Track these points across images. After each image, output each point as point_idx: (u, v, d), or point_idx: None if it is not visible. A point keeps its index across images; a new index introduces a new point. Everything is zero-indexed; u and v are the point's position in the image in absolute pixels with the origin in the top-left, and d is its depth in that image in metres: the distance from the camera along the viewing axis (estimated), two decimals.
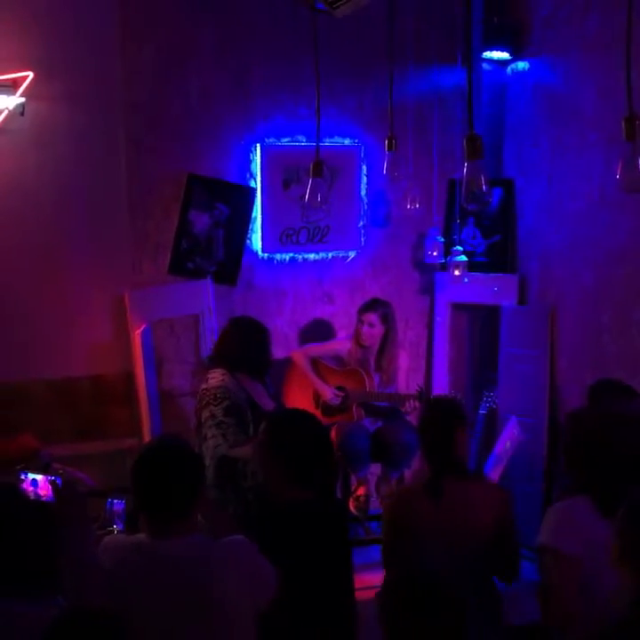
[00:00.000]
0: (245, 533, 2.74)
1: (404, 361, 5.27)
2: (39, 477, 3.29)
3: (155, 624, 2.47)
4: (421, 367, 5.87)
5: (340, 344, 5.27)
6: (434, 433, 3.32)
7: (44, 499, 3.22)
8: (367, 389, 5.06)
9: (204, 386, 4.24)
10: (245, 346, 4.31)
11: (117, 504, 3.39)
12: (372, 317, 5.07)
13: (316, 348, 5.27)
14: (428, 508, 3.23)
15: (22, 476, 3.33)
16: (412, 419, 5.15)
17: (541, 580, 2.89)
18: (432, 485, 3.25)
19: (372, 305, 5.12)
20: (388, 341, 5.14)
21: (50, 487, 3.08)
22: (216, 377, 4.20)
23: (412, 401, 4.94)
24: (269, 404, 4.38)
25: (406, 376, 5.29)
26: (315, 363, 5.19)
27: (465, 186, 2.57)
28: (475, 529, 3.19)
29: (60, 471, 3.64)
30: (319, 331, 5.58)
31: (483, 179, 2.51)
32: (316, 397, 5.18)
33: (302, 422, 3.14)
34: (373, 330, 5.08)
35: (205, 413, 4.13)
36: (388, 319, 5.13)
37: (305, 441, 3.03)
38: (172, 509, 2.53)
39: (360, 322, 5.11)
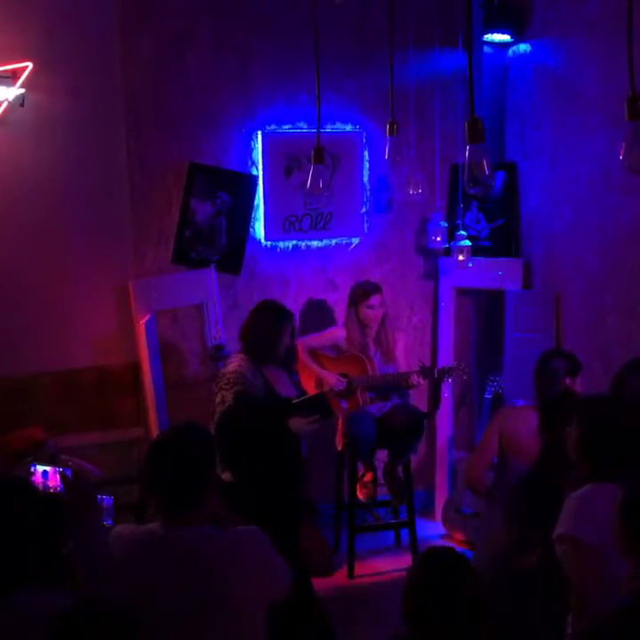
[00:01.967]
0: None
1: (407, 343, 5.30)
2: (48, 469, 3.30)
3: (165, 612, 2.48)
4: (427, 352, 5.86)
5: (336, 332, 5.26)
6: (543, 377, 3.87)
7: (53, 490, 3.23)
8: (369, 373, 5.07)
9: (222, 370, 4.37)
10: (255, 330, 4.43)
11: (106, 500, 3.40)
12: (378, 299, 5.09)
13: (314, 339, 5.24)
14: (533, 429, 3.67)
15: (31, 469, 3.34)
16: (418, 398, 5.18)
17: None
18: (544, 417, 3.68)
19: (375, 288, 5.13)
20: (384, 318, 5.18)
21: (59, 479, 3.08)
22: (234, 362, 4.34)
23: (415, 376, 4.95)
24: (290, 391, 4.45)
25: (407, 358, 5.29)
26: (313, 353, 5.18)
27: (467, 169, 2.55)
28: None
29: (69, 463, 3.65)
30: (323, 318, 5.56)
31: (485, 162, 2.49)
32: (320, 387, 5.16)
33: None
34: (378, 311, 5.10)
35: (218, 397, 4.27)
36: (384, 297, 5.19)
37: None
38: (183, 497, 2.54)
39: (367, 307, 5.08)
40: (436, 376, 5.03)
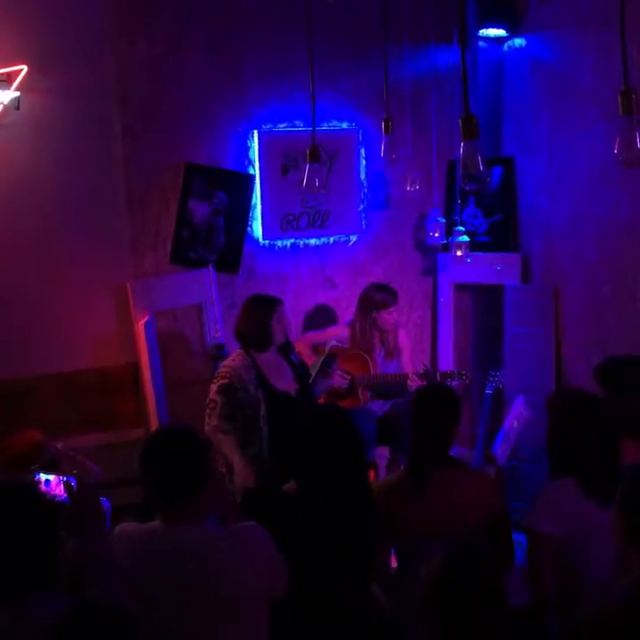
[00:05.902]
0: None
1: (407, 341, 5.29)
2: (52, 478, 3.29)
3: (166, 610, 2.49)
4: (426, 348, 5.87)
5: (340, 330, 5.28)
6: (428, 422, 3.22)
7: (58, 499, 3.21)
8: (371, 372, 5.08)
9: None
10: (247, 321, 4.44)
11: (103, 502, 3.41)
12: (395, 308, 5.14)
13: (317, 336, 5.27)
14: (413, 498, 3.10)
15: (36, 477, 3.32)
16: None
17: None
18: (416, 474, 3.13)
19: (395, 298, 5.14)
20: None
21: (63, 488, 3.08)
22: (232, 356, 4.42)
23: (415, 379, 4.95)
24: (289, 385, 4.45)
25: (411, 356, 5.29)
26: (316, 349, 5.19)
27: (462, 166, 2.55)
28: (465, 519, 3.04)
29: (74, 471, 3.63)
30: (323, 316, 5.57)
31: (479, 158, 2.49)
32: None
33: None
34: (395, 315, 5.16)
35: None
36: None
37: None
38: (179, 494, 2.55)
39: (387, 313, 5.11)
40: (438, 379, 4.99)
